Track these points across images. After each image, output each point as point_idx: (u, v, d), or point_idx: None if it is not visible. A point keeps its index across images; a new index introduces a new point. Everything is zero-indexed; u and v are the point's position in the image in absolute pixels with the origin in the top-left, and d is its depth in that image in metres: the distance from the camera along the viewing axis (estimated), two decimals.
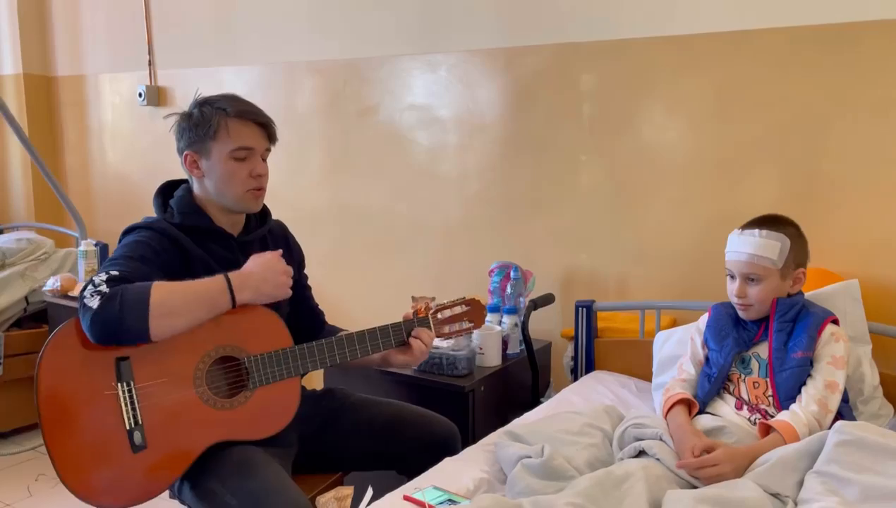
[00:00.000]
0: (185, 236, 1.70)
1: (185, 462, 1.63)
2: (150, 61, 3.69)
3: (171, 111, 3.62)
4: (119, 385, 1.57)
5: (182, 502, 1.74)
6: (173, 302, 1.54)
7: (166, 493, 1.70)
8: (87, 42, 3.97)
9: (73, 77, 4.06)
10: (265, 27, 3.27)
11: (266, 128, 1.77)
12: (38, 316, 3.41)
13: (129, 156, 3.89)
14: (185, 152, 1.74)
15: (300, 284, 1.96)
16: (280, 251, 1.74)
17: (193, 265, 1.69)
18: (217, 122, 1.70)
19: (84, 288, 1.53)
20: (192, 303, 1.58)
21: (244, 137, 1.72)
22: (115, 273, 1.54)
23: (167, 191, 1.83)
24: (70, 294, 3.17)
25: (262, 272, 1.66)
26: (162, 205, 1.80)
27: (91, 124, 4.03)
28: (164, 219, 1.74)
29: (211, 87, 3.47)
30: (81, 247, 3.33)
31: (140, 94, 3.69)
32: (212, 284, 1.61)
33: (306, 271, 2.04)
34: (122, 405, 1.57)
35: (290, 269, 1.71)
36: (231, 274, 1.63)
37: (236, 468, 1.61)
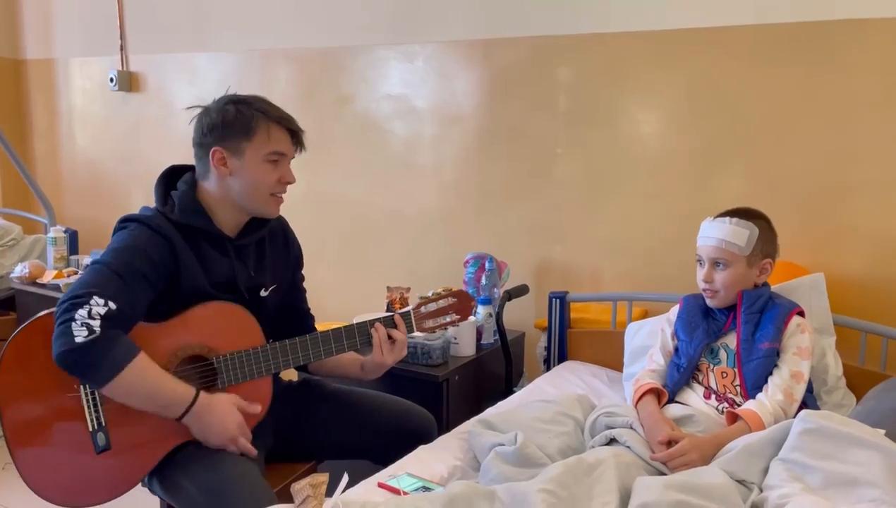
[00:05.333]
0: (179, 235, 1.64)
1: (151, 463, 1.62)
2: (122, 46, 3.63)
3: (157, 95, 3.57)
4: (82, 387, 1.55)
5: (153, 493, 1.73)
6: (138, 385, 1.51)
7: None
8: (57, 25, 3.89)
9: (43, 60, 3.98)
10: (240, 14, 3.24)
11: (297, 136, 1.75)
12: (5, 304, 3.35)
13: (100, 142, 3.83)
14: (214, 148, 1.67)
15: (293, 285, 1.93)
16: (258, 410, 1.67)
17: (183, 270, 1.63)
18: (256, 124, 1.67)
19: (77, 304, 1.45)
20: (150, 397, 1.53)
21: (280, 142, 1.70)
22: (113, 307, 1.47)
23: (170, 177, 1.76)
24: (39, 281, 3.12)
25: (219, 424, 1.59)
26: (163, 195, 1.72)
27: (61, 109, 3.96)
28: (162, 212, 1.67)
29: (185, 74, 3.45)
30: (50, 234, 3.29)
31: (111, 79, 3.63)
32: (179, 394, 1.55)
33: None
34: (86, 407, 1.55)
35: (242, 442, 1.62)
36: (200, 400, 1.56)
37: (202, 461, 1.60)
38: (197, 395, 1.56)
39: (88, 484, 1.57)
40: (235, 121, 1.67)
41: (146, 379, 1.52)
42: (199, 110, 1.74)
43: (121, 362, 1.48)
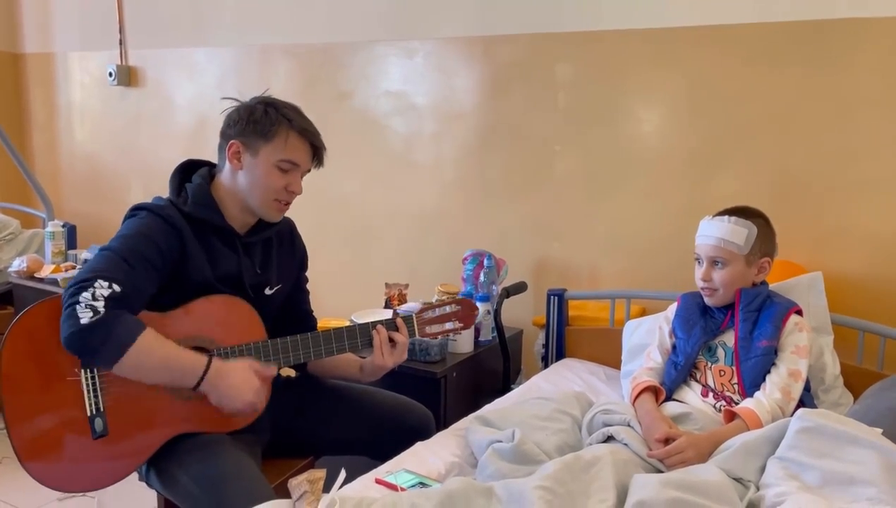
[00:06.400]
0: (189, 228, 1.65)
1: (147, 452, 1.62)
2: (121, 40, 3.63)
3: (156, 90, 3.57)
4: (83, 371, 1.56)
5: (150, 486, 1.73)
6: (149, 359, 1.52)
7: (135, 476, 1.70)
8: (56, 19, 3.89)
9: (42, 54, 3.97)
10: (239, 9, 3.23)
11: (318, 151, 1.76)
12: (3, 298, 3.34)
13: (99, 136, 3.82)
14: (233, 141, 1.70)
15: (297, 286, 1.94)
16: (274, 371, 1.70)
17: (190, 261, 1.64)
18: (277, 128, 1.68)
19: (82, 287, 1.47)
20: (162, 369, 1.54)
21: (296, 152, 1.71)
22: (117, 289, 1.48)
23: (186, 170, 1.77)
24: (36, 275, 3.12)
25: (237, 387, 1.59)
26: (177, 187, 1.74)
27: (59, 103, 3.95)
28: (174, 204, 1.68)
29: (184, 70, 3.44)
30: (48, 229, 3.28)
31: (110, 74, 3.62)
32: (191, 362, 1.56)
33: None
34: (85, 391, 1.56)
35: (259, 403, 1.65)
36: (213, 366, 1.57)
37: (198, 454, 1.60)
38: (210, 362, 1.57)
39: (84, 470, 1.57)
40: (259, 121, 1.69)
41: (156, 353, 1.53)
42: (234, 104, 1.76)
43: (128, 339, 1.48)
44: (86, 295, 1.46)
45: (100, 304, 1.46)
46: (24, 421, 1.54)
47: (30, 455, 1.55)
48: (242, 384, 1.60)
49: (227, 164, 1.72)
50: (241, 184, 1.71)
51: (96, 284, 1.48)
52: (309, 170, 1.78)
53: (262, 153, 1.69)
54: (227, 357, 1.66)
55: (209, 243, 1.69)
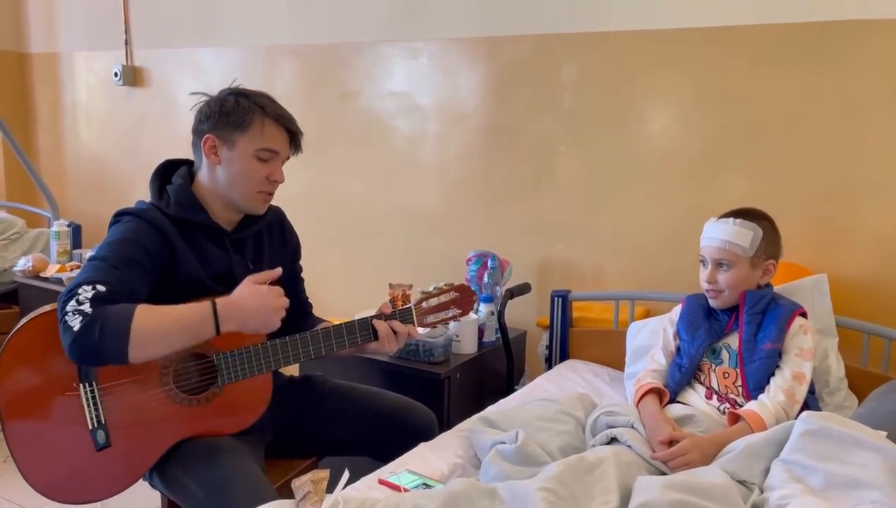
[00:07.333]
0: (175, 230, 1.63)
1: (151, 459, 1.62)
2: (126, 40, 3.64)
3: (161, 90, 3.57)
4: (81, 385, 1.55)
5: (154, 487, 1.74)
6: (154, 330, 1.48)
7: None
8: (61, 19, 3.90)
9: (47, 54, 3.98)
10: (245, 9, 3.24)
11: (294, 137, 1.74)
12: (8, 297, 3.35)
13: (104, 136, 3.83)
14: (207, 135, 1.67)
15: (293, 276, 1.93)
16: (278, 272, 1.66)
17: (179, 262, 1.62)
18: (252, 117, 1.66)
19: (67, 299, 1.46)
20: (173, 332, 1.50)
21: (274, 140, 1.68)
22: (101, 289, 1.47)
23: (165, 171, 1.75)
24: (42, 275, 3.13)
25: (254, 306, 1.57)
26: (158, 190, 1.72)
27: (65, 103, 3.96)
28: (157, 206, 1.66)
29: (189, 70, 3.45)
30: (54, 228, 3.29)
31: (116, 74, 3.63)
32: (197, 312, 1.52)
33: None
34: (85, 404, 1.55)
35: (283, 304, 1.62)
36: (219, 302, 1.54)
37: (202, 458, 1.60)
38: (214, 304, 1.53)
39: (89, 482, 1.57)
40: (232, 112, 1.66)
41: (159, 322, 1.50)
42: (202, 99, 1.73)
43: (124, 323, 1.45)
44: (72, 303, 1.45)
45: (85, 307, 1.44)
46: (26, 437, 1.54)
47: (34, 471, 1.55)
48: (258, 304, 1.57)
49: (205, 161, 1.69)
50: (221, 180, 1.69)
51: (79, 290, 1.47)
52: (288, 158, 1.75)
53: (240, 144, 1.66)
54: (227, 361, 1.65)
55: (198, 244, 1.67)
